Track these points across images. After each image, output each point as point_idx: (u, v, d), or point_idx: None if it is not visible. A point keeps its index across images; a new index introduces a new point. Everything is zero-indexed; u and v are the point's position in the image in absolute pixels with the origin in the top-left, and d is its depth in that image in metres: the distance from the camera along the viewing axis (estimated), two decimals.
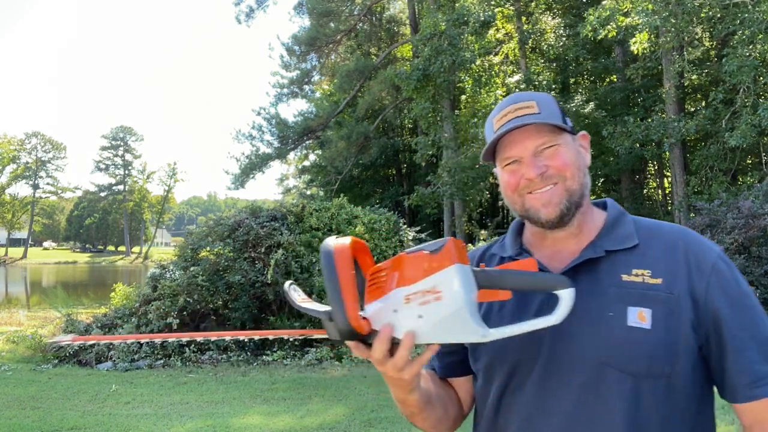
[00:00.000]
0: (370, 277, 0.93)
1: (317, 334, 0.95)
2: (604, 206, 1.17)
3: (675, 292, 1.00)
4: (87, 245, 75.01)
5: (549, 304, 0.96)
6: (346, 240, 0.92)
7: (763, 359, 0.97)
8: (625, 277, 1.02)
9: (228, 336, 1.04)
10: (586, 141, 1.15)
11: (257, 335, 1.06)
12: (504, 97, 16.31)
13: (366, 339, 0.90)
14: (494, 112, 1.12)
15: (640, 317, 0.99)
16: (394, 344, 0.90)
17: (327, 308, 0.89)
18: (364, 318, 0.90)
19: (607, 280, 1.03)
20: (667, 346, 0.97)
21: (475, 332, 0.87)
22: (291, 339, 8.64)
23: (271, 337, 1.02)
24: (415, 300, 0.86)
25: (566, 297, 0.89)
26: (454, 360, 1.20)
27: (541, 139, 1.05)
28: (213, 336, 1.06)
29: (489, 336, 0.88)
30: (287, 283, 1.00)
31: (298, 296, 0.98)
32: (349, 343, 0.91)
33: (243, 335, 1.04)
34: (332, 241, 0.91)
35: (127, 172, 69.42)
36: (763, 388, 0.96)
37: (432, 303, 0.85)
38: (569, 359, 1.00)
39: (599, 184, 18.49)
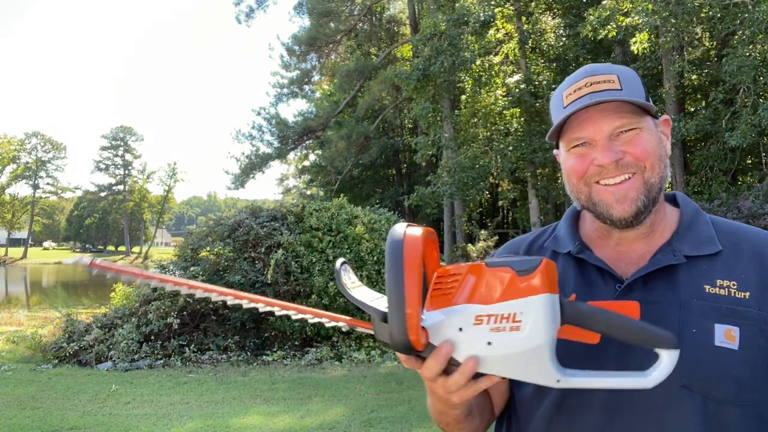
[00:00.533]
0: (437, 279, 0.79)
1: (363, 327, 0.83)
2: (673, 200, 1.02)
3: (766, 309, 0.87)
4: (87, 245, 74.99)
5: (632, 349, 0.83)
6: (418, 231, 0.78)
7: None
8: (709, 289, 0.89)
9: (286, 309, 0.82)
10: (668, 127, 1.00)
11: (303, 312, 0.84)
12: (504, 97, 16.20)
13: (420, 353, 0.77)
14: (564, 85, 0.96)
15: (727, 336, 0.85)
16: (451, 364, 0.78)
17: (384, 308, 0.77)
18: (423, 328, 0.76)
19: (688, 290, 0.89)
20: (756, 369, 0.85)
21: (548, 376, 0.75)
22: (297, 337, 8.64)
23: (313, 319, 0.83)
24: (487, 324, 0.74)
25: (668, 359, 0.76)
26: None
27: (621, 120, 0.90)
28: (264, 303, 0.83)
29: (563, 383, 0.76)
30: (339, 262, 0.85)
31: (349, 280, 0.84)
32: (398, 353, 0.79)
33: (294, 309, 0.83)
34: (402, 230, 0.77)
35: (127, 172, 69.41)
36: None
37: (507, 332, 0.73)
38: None
39: None
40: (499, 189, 19.66)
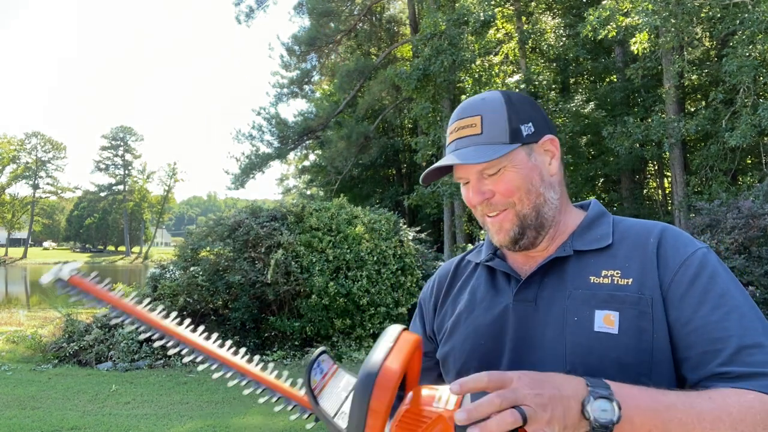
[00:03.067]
0: (405, 415, 0.76)
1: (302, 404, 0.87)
2: (588, 208, 1.09)
3: (647, 292, 0.90)
4: (87, 245, 74.98)
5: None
6: (398, 359, 0.76)
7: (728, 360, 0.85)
8: (593, 279, 0.94)
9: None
10: (554, 144, 1.02)
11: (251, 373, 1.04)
12: None
13: None
14: (450, 121, 1.04)
15: (606, 321, 0.90)
16: None
17: (343, 426, 0.77)
18: None
19: (573, 282, 0.95)
20: (639, 352, 0.88)
21: None
22: (290, 343, 8.64)
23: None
24: None
25: None
26: (434, 375, 1.12)
27: (483, 165, 0.97)
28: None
29: None
30: (316, 353, 0.84)
31: (320, 376, 0.82)
32: None
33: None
34: (380, 358, 0.75)
35: (127, 172, 69.40)
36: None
37: None
38: (532, 369, 0.89)
39: (599, 184, 18.49)
40: None
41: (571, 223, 1.04)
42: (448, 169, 1.02)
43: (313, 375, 0.83)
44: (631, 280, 0.92)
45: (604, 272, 0.95)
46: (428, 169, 1.01)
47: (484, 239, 1.19)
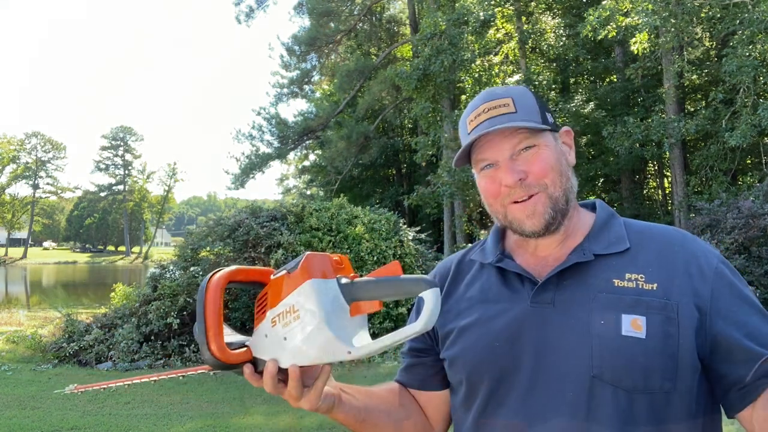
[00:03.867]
0: (256, 303, 0.90)
1: (201, 370, 0.98)
2: (593, 207, 1.09)
3: (673, 298, 0.90)
4: (87, 245, 75.00)
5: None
6: (224, 270, 0.89)
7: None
8: (617, 283, 0.93)
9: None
10: (570, 137, 1.06)
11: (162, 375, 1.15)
12: None
13: (234, 366, 0.88)
14: (467, 111, 1.03)
15: (634, 325, 0.89)
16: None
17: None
18: (245, 346, 0.88)
19: (597, 285, 0.94)
20: (665, 357, 0.88)
21: (338, 350, 0.81)
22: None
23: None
24: (279, 322, 0.84)
25: (429, 299, 0.80)
26: (426, 373, 1.12)
27: (518, 140, 0.97)
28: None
29: (355, 352, 0.81)
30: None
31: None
32: (244, 372, 0.89)
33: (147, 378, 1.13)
34: (210, 276, 0.89)
35: (127, 172, 69.42)
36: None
37: (293, 323, 0.82)
38: (557, 373, 0.91)
39: (599, 184, 18.48)
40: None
41: (581, 223, 1.04)
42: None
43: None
44: (656, 285, 0.92)
45: (627, 275, 0.94)
46: (462, 147, 1.01)
47: (481, 240, 1.18)
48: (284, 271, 0.85)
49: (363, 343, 0.82)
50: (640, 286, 0.92)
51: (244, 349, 0.88)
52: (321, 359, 0.83)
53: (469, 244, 1.23)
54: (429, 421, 1.13)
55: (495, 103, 0.99)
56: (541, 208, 0.97)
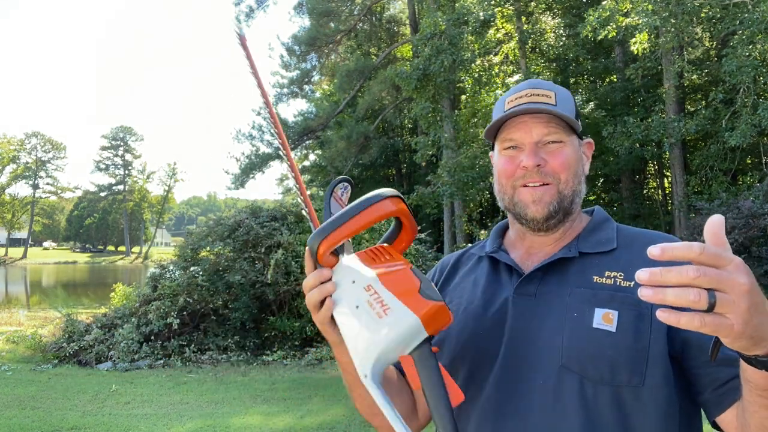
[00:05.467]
0: (380, 247, 0.92)
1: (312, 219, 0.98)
2: (592, 213, 1.12)
3: None
4: (87, 245, 74.98)
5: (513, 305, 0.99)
6: (400, 204, 0.89)
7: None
8: (596, 279, 0.97)
9: None
10: (591, 150, 1.10)
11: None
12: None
13: (319, 266, 0.89)
14: (508, 93, 1.07)
15: (605, 319, 0.91)
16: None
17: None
18: (336, 257, 0.89)
19: (576, 281, 0.98)
20: (634, 352, 0.89)
21: (364, 366, 0.84)
22: (290, 339, 8.64)
23: None
24: (370, 295, 0.83)
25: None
26: None
27: (549, 130, 1.01)
28: None
29: (366, 383, 0.84)
30: (337, 180, 0.97)
31: (338, 203, 0.95)
32: (307, 261, 0.90)
33: None
34: (389, 193, 0.88)
35: (127, 172, 69.41)
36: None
37: (373, 310, 0.82)
38: (529, 361, 0.94)
39: (599, 184, 18.47)
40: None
41: (578, 226, 1.08)
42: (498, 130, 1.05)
43: (337, 197, 0.96)
44: (633, 282, 0.93)
45: (607, 273, 0.97)
46: (496, 119, 1.04)
47: (484, 239, 1.22)
48: (418, 281, 0.84)
49: None
50: (618, 283, 0.95)
51: (334, 258, 0.89)
52: (353, 351, 0.85)
53: (469, 245, 1.26)
54: (415, 399, 1.12)
55: (539, 91, 1.03)
56: (548, 198, 1.01)
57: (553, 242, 1.06)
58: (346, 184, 0.96)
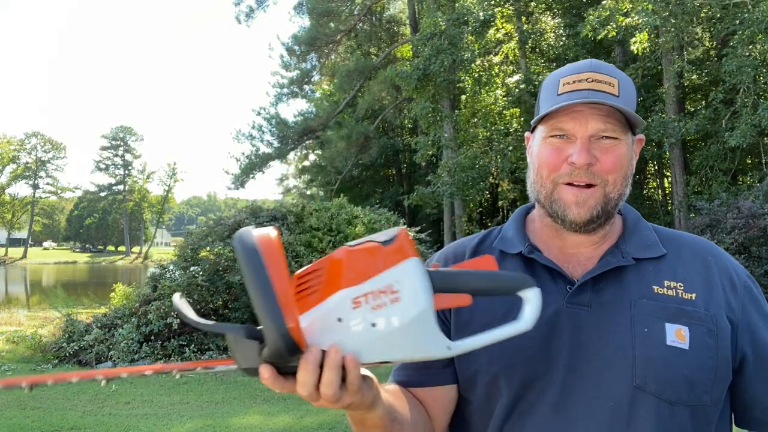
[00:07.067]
0: (298, 282, 0.70)
1: (222, 365, 0.74)
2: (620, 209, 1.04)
3: (711, 310, 0.88)
4: (87, 245, 74.99)
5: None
6: (271, 231, 0.68)
7: None
8: (657, 290, 0.90)
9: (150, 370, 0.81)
10: (641, 146, 1.00)
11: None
12: (504, 97, 16.16)
13: (292, 364, 0.66)
14: (565, 71, 0.94)
15: (678, 335, 0.86)
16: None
17: (238, 325, 0.68)
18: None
19: (637, 290, 0.90)
20: (704, 370, 0.85)
21: (439, 344, 0.70)
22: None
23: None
24: (366, 303, 0.67)
25: (532, 298, 0.74)
26: (428, 369, 0.97)
27: (607, 125, 0.89)
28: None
29: (453, 350, 0.71)
30: (176, 296, 0.77)
31: (191, 312, 0.74)
32: (264, 372, 0.66)
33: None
34: (253, 232, 0.67)
35: (127, 172, 69.41)
36: None
37: (388, 306, 0.67)
38: (594, 381, 0.86)
39: None
40: (499, 189, 19.67)
41: (616, 226, 1.00)
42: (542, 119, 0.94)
43: (185, 307, 0.76)
44: (695, 295, 0.89)
45: (666, 283, 0.91)
46: (551, 106, 0.90)
47: (496, 228, 1.09)
48: (371, 243, 0.69)
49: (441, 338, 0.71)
50: (680, 295, 0.89)
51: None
52: (415, 354, 0.70)
53: (479, 233, 1.09)
54: (430, 418, 1.01)
55: (602, 77, 0.90)
56: (593, 201, 0.90)
57: (592, 244, 0.96)
58: (182, 298, 0.77)
